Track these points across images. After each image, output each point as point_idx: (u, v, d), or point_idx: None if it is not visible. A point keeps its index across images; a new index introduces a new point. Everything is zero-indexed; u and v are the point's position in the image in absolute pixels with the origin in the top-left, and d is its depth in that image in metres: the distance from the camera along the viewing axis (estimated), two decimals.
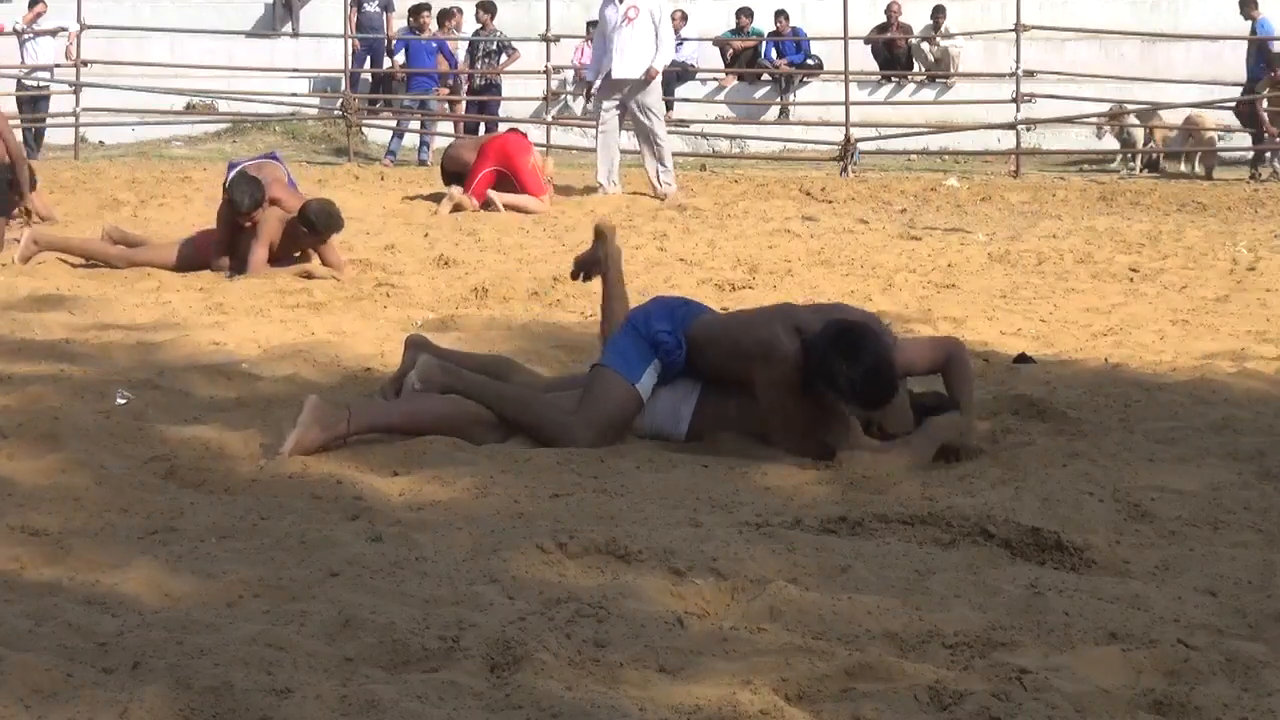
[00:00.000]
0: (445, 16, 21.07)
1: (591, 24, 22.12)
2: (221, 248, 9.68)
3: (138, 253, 9.98)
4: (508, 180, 13.94)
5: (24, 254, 9.82)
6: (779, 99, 22.24)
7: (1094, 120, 19.50)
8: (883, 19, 21.82)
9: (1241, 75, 19.04)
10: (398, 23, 21.89)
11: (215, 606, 3.67)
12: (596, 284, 6.35)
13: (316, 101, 22.48)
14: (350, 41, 21.01)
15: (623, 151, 15.72)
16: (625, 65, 15.06)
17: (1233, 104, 19.00)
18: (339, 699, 3.09)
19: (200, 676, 3.14)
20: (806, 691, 3.25)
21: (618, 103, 15.24)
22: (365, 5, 21.65)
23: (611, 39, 15.11)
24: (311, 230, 9.49)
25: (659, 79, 15.41)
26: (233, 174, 9.97)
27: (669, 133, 15.99)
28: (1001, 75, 20.03)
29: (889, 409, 5.47)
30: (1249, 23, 19.34)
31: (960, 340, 6.07)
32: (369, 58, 21.84)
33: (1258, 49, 19.20)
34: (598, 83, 15.35)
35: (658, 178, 15.18)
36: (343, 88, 21.08)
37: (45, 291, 8.80)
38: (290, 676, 3.18)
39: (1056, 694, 3.18)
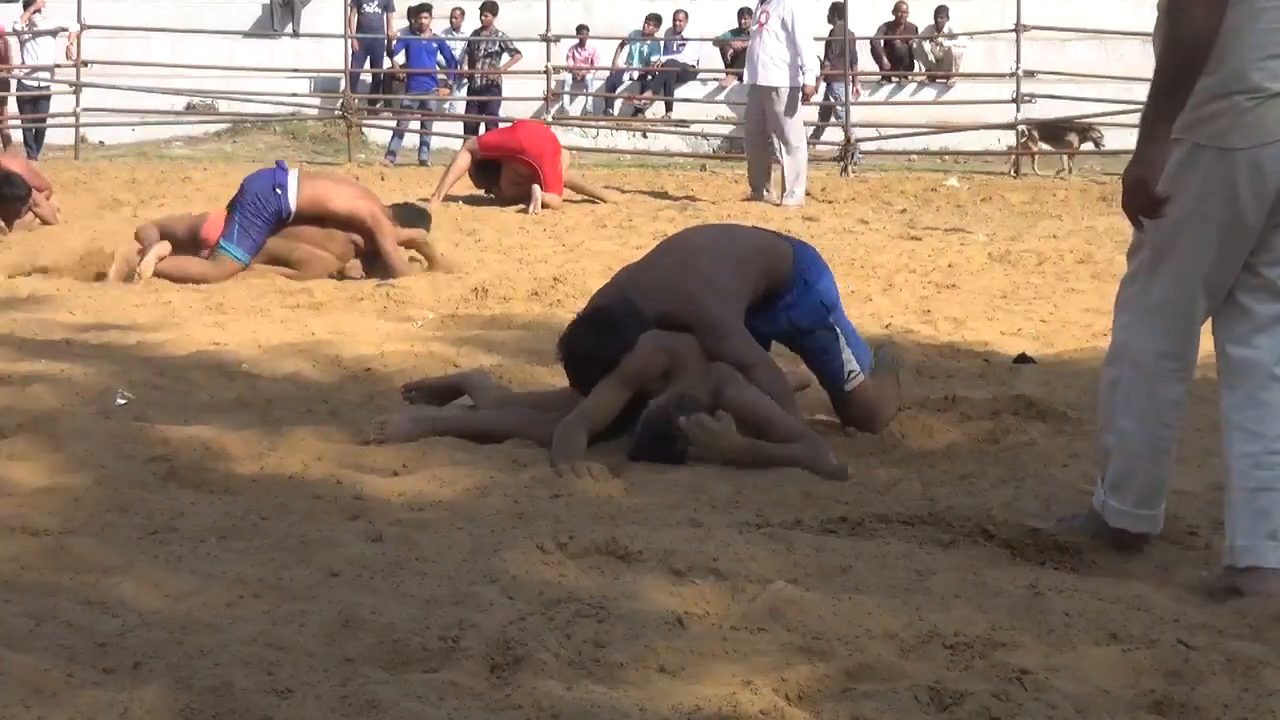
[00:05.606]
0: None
1: (581, 26, 22.18)
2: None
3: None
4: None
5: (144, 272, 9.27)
6: None
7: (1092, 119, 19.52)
8: (886, 18, 21.83)
9: None
10: (398, 23, 21.90)
11: (215, 606, 3.67)
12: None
13: (317, 101, 22.50)
14: (350, 42, 21.01)
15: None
16: (755, 73, 14.60)
17: None
18: (339, 699, 3.09)
19: (200, 676, 3.13)
20: (806, 691, 3.24)
21: (759, 111, 14.67)
22: (365, 6, 21.65)
23: (751, 45, 14.74)
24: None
25: (789, 94, 14.33)
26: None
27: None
28: (1001, 75, 20.02)
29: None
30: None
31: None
32: (369, 58, 21.84)
33: None
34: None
35: (789, 191, 14.46)
36: (342, 88, 21.08)
37: (45, 292, 8.80)
38: (290, 676, 3.18)
39: (1057, 694, 3.18)
